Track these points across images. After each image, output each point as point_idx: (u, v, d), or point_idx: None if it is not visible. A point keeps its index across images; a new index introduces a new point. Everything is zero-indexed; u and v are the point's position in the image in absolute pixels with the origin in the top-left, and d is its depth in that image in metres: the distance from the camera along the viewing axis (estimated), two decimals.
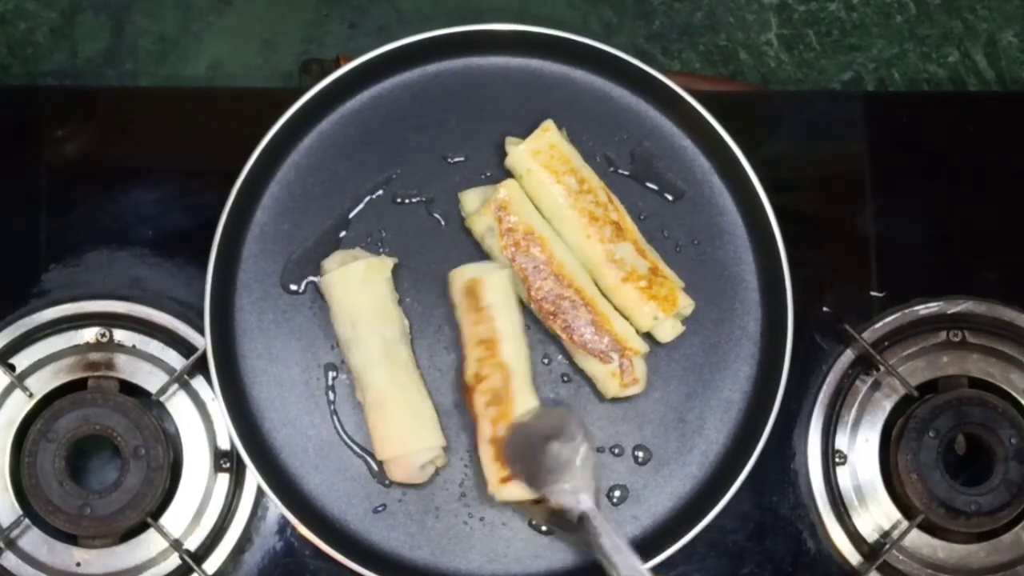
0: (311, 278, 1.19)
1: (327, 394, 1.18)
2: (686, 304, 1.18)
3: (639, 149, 1.22)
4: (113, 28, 1.44)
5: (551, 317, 1.16)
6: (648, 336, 1.19)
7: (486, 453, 1.13)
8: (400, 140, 1.21)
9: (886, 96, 1.43)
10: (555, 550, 1.17)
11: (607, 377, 1.16)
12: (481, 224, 1.17)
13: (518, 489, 1.12)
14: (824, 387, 1.23)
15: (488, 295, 1.14)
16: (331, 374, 1.18)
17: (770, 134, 1.29)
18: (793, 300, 1.17)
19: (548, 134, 1.18)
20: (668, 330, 1.18)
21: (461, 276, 1.15)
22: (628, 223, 1.18)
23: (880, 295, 1.26)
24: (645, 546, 1.15)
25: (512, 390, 1.13)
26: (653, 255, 1.18)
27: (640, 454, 1.19)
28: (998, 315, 1.24)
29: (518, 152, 1.18)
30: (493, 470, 1.13)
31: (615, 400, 1.18)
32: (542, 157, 1.18)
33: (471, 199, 1.19)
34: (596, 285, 1.18)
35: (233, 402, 1.16)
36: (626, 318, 1.18)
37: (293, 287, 1.20)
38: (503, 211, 1.16)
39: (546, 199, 1.18)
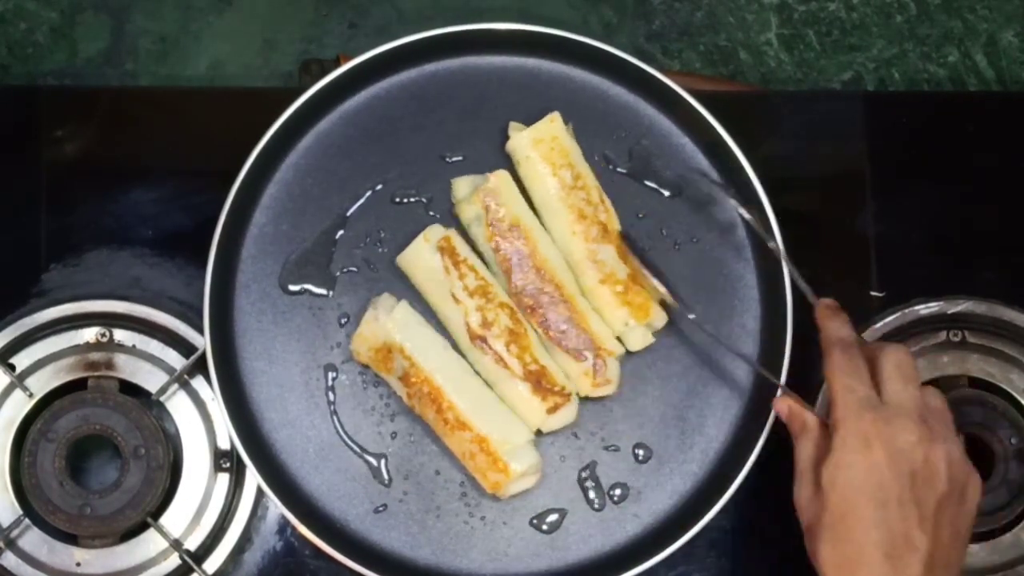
0: (307, 285, 1.19)
1: (327, 395, 1.18)
2: (658, 317, 1.18)
3: (637, 147, 1.22)
4: (113, 28, 1.44)
5: (529, 311, 1.16)
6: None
7: (524, 390, 1.15)
8: (398, 140, 1.21)
9: (886, 96, 1.43)
10: (556, 549, 1.17)
11: (580, 376, 1.16)
12: (469, 212, 1.18)
13: (566, 414, 1.15)
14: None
15: (461, 247, 1.16)
16: (331, 375, 1.18)
17: (770, 134, 1.29)
18: (792, 298, 1.17)
19: (553, 124, 1.18)
20: (638, 338, 1.18)
21: (427, 243, 1.16)
22: (615, 226, 1.19)
23: (880, 295, 1.26)
24: (647, 544, 1.16)
25: (524, 325, 1.16)
26: (635, 263, 1.18)
27: (640, 452, 1.19)
28: (998, 315, 1.24)
29: (520, 138, 1.18)
30: (536, 403, 1.15)
31: (587, 399, 1.18)
32: (543, 147, 1.18)
33: (462, 187, 1.19)
34: (577, 283, 1.18)
35: (233, 403, 1.16)
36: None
37: (292, 287, 1.20)
38: (491, 201, 1.17)
39: (539, 189, 1.18)
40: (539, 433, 1.17)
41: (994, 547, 1.20)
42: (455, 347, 1.17)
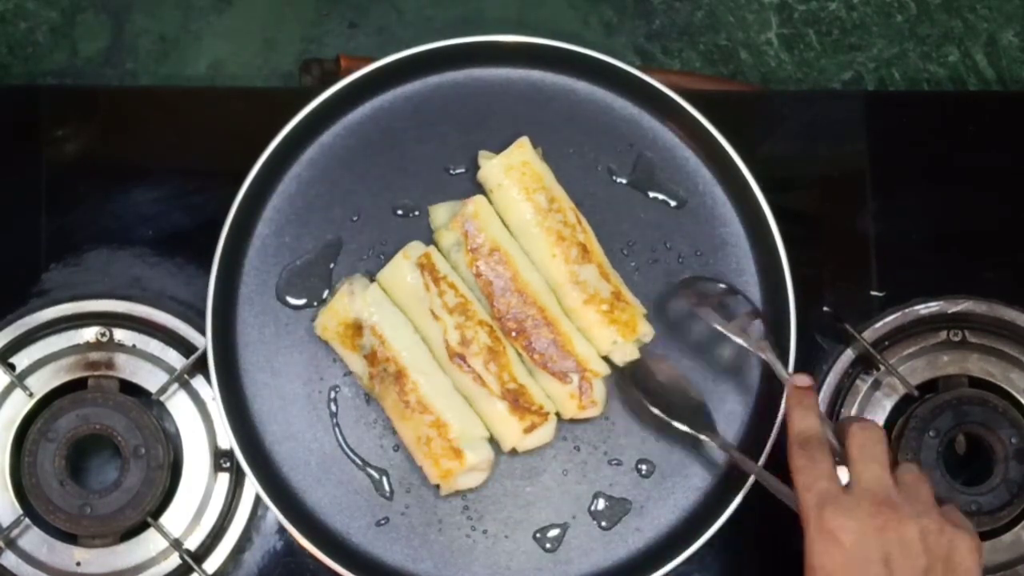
0: (309, 297, 1.19)
1: (329, 407, 1.18)
2: (646, 331, 1.18)
3: (641, 159, 1.22)
4: (113, 28, 1.44)
5: (513, 335, 1.16)
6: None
7: (502, 408, 1.14)
8: (401, 152, 1.21)
9: (886, 96, 1.43)
10: (558, 563, 1.17)
11: (565, 398, 1.16)
12: (448, 239, 1.17)
13: (543, 433, 1.15)
14: (824, 387, 1.24)
15: (441, 264, 1.16)
16: (333, 388, 1.18)
17: (770, 134, 1.29)
18: (796, 313, 1.17)
19: (523, 150, 1.18)
20: (626, 355, 1.18)
21: (407, 260, 1.16)
22: (595, 246, 1.18)
23: (880, 295, 1.26)
24: (649, 559, 1.16)
25: (503, 343, 1.15)
26: (617, 279, 1.18)
27: (643, 467, 1.18)
28: (998, 315, 1.24)
29: (491, 166, 1.18)
30: (513, 422, 1.14)
31: (574, 421, 1.17)
32: (514, 173, 1.17)
33: (440, 213, 1.19)
34: (560, 305, 1.18)
35: (235, 415, 1.16)
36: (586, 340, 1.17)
37: (294, 300, 1.19)
38: (470, 226, 1.16)
39: (515, 215, 1.18)
40: (514, 452, 1.17)
41: (994, 547, 1.20)
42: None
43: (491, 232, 1.16)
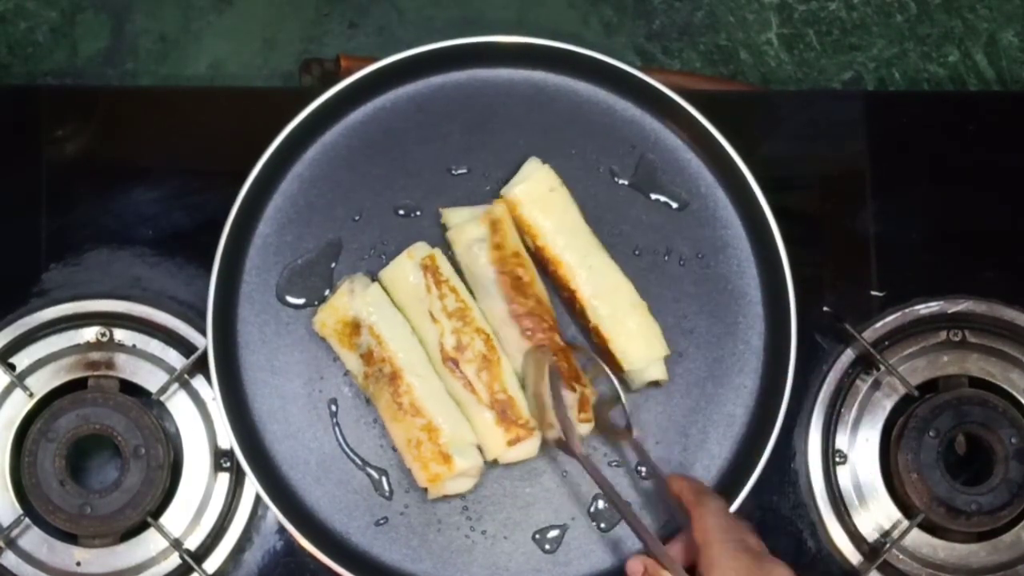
0: (310, 296, 1.19)
1: (329, 407, 1.18)
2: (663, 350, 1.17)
3: (643, 161, 1.22)
4: (113, 27, 1.44)
5: (528, 333, 1.15)
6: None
7: (488, 418, 1.14)
8: (403, 152, 1.21)
9: (886, 96, 1.43)
10: (556, 564, 1.17)
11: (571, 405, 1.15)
12: (472, 233, 1.16)
13: (527, 448, 1.14)
14: (824, 387, 1.23)
15: (444, 267, 1.16)
16: (333, 387, 1.18)
17: (770, 134, 1.29)
18: (797, 316, 1.16)
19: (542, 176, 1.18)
20: (655, 374, 1.17)
21: (411, 260, 1.16)
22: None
23: (880, 295, 1.26)
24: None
25: (498, 353, 1.15)
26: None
27: (643, 468, 1.18)
28: (998, 315, 1.24)
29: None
30: (499, 433, 1.14)
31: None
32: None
33: (455, 215, 1.18)
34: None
35: (235, 414, 1.16)
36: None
37: (295, 299, 1.19)
38: (496, 226, 1.16)
39: (564, 217, 1.18)
40: (495, 463, 1.16)
41: (994, 547, 1.20)
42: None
43: (511, 239, 1.16)
